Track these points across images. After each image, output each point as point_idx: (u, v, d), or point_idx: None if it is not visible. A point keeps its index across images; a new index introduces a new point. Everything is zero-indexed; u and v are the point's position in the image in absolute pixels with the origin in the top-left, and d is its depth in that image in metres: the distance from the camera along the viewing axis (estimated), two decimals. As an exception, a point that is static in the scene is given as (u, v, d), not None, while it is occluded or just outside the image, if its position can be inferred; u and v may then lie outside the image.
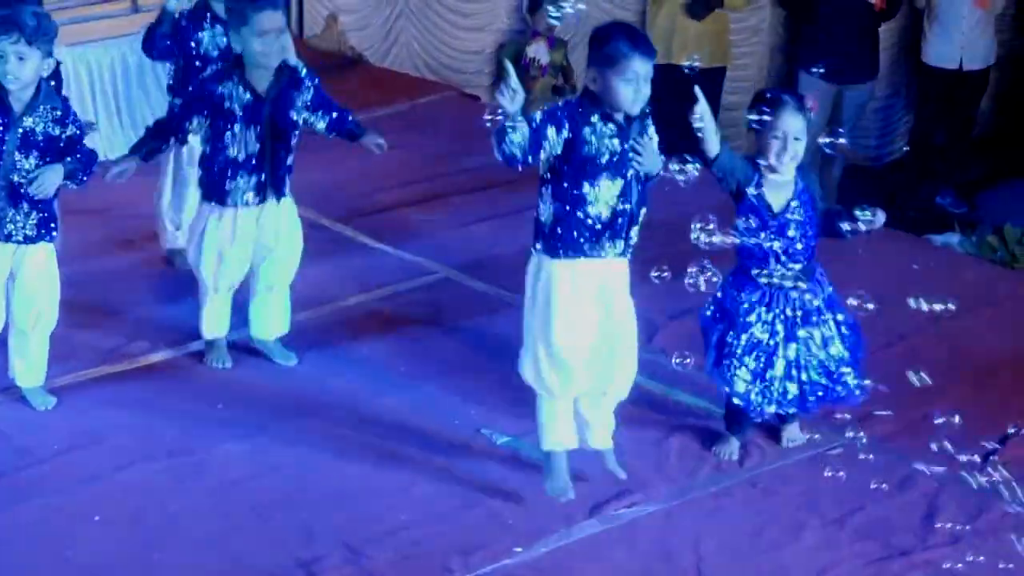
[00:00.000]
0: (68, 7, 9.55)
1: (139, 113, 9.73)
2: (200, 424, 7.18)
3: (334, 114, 7.53)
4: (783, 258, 6.70)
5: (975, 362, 7.73)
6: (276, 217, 7.49)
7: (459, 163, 8.80)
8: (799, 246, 6.72)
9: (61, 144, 7.00)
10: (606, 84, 6.25)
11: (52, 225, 7.05)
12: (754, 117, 6.72)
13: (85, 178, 7.09)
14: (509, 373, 7.19)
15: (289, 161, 7.47)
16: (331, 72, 10.51)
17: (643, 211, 6.53)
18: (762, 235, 6.66)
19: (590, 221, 6.39)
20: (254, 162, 7.26)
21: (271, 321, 7.66)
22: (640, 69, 6.25)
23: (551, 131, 6.22)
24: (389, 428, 7.17)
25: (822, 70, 11.10)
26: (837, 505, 6.59)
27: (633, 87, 6.25)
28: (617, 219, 6.44)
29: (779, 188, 6.70)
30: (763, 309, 6.78)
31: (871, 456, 6.78)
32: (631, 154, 6.36)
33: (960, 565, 6.17)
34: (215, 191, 7.33)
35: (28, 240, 7.05)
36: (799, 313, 6.79)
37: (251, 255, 7.48)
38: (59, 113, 7.05)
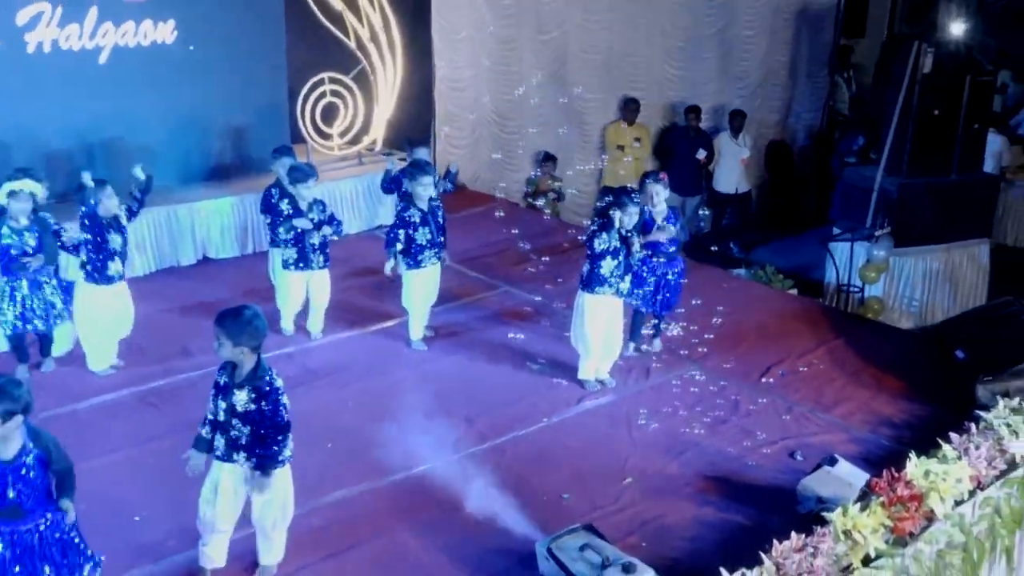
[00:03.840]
0: (326, 164, 9.50)
1: (366, 217, 9.63)
2: (407, 359, 7.08)
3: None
4: (663, 246, 6.78)
5: (752, 330, 7.57)
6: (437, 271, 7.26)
7: (508, 234, 8.86)
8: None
9: (326, 219, 6.99)
10: (618, 217, 6.26)
11: (329, 258, 7.11)
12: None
13: (337, 236, 7.15)
14: (546, 334, 7.31)
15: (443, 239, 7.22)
16: (452, 192, 10.52)
17: (629, 277, 6.51)
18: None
19: (602, 277, 6.37)
20: (431, 241, 7.01)
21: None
22: (632, 212, 6.28)
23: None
24: (487, 360, 7.04)
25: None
26: (694, 397, 6.59)
27: (629, 224, 6.29)
28: (613, 276, 6.39)
29: (662, 215, 6.74)
30: (647, 270, 6.80)
31: (706, 377, 6.91)
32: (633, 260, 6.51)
33: (754, 431, 6.21)
34: (414, 258, 7.00)
35: (319, 267, 7.06)
36: (667, 275, 6.86)
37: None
38: (323, 206, 7.06)
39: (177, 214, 8.51)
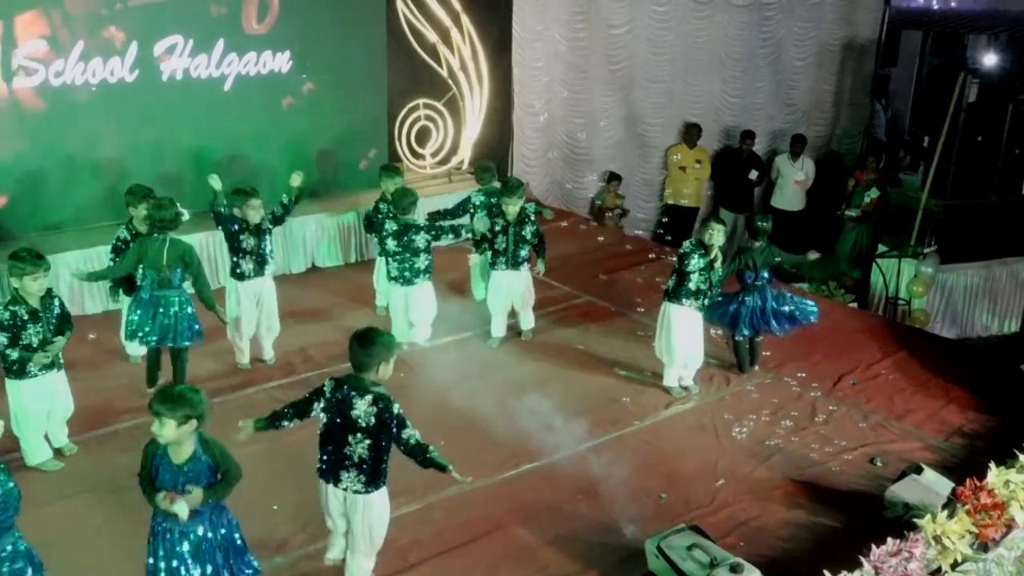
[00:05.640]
0: (418, 182, 9.36)
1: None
2: (502, 364, 6.89)
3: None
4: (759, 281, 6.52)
5: (820, 341, 7.25)
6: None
7: (584, 246, 8.65)
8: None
9: (425, 236, 6.73)
10: (703, 239, 6.10)
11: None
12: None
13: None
14: (624, 339, 7.11)
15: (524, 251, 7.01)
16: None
17: (713, 292, 6.31)
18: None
19: (688, 290, 6.20)
20: (505, 251, 6.84)
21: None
22: (717, 229, 6.08)
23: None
24: (576, 366, 6.85)
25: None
26: (774, 405, 6.41)
27: (716, 241, 6.10)
28: (699, 292, 6.22)
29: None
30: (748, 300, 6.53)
31: (783, 385, 6.69)
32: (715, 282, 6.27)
33: (833, 437, 6.01)
34: (494, 262, 6.93)
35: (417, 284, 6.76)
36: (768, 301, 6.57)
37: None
38: (422, 225, 6.79)
39: (290, 226, 8.44)
